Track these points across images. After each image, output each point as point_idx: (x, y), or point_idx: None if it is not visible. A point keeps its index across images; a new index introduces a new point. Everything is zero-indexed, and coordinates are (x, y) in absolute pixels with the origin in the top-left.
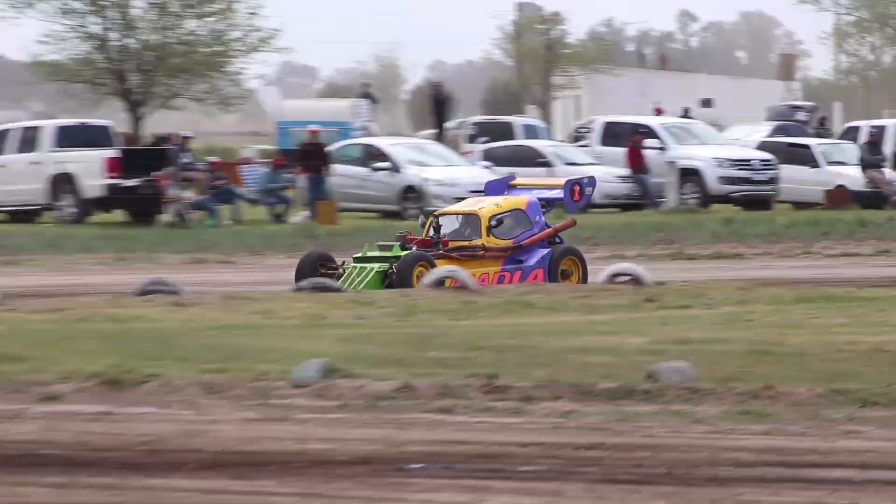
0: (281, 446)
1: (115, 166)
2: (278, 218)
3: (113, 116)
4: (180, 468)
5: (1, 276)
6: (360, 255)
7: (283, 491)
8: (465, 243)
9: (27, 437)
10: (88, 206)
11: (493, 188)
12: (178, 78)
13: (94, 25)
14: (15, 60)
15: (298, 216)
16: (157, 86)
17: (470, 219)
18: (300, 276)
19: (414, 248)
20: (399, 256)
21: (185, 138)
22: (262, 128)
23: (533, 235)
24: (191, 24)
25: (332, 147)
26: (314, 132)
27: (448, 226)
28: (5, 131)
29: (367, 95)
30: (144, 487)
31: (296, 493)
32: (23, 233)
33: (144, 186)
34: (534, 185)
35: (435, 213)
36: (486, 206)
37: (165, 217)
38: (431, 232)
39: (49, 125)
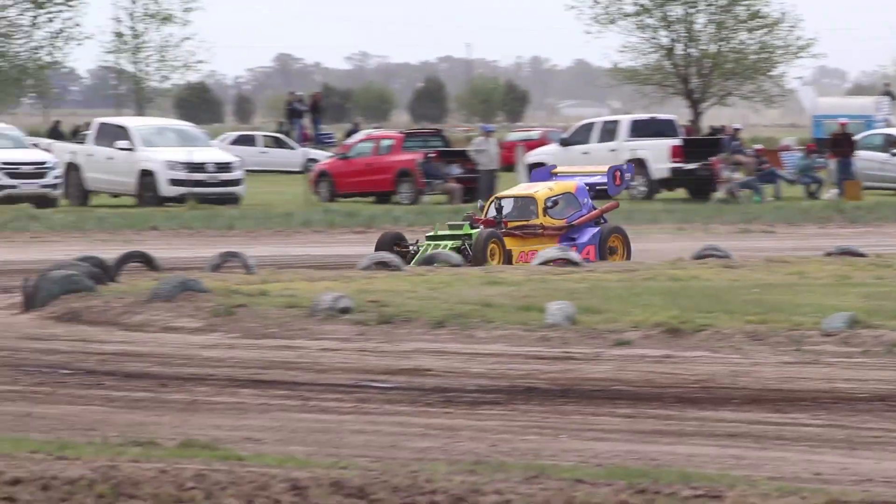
0: (811, 385)
1: (679, 152)
2: (812, 195)
3: (676, 112)
4: (727, 402)
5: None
6: (432, 233)
7: (812, 423)
8: (525, 223)
9: (602, 375)
10: (656, 186)
11: (537, 176)
12: (731, 80)
13: (664, 38)
14: (598, 66)
15: (829, 193)
16: (713, 87)
17: (527, 201)
18: (378, 250)
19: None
20: (470, 234)
21: (736, 130)
22: (800, 121)
23: (583, 216)
24: (742, 35)
25: (858, 136)
26: (843, 124)
27: (507, 208)
28: (590, 125)
29: (888, 94)
30: (698, 418)
31: (823, 424)
32: None
33: (702, 169)
34: (575, 172)
35: (496, 196)
36: (541, 189)
37: (718, 195)
38: (493, 213)
39: (625, 119)
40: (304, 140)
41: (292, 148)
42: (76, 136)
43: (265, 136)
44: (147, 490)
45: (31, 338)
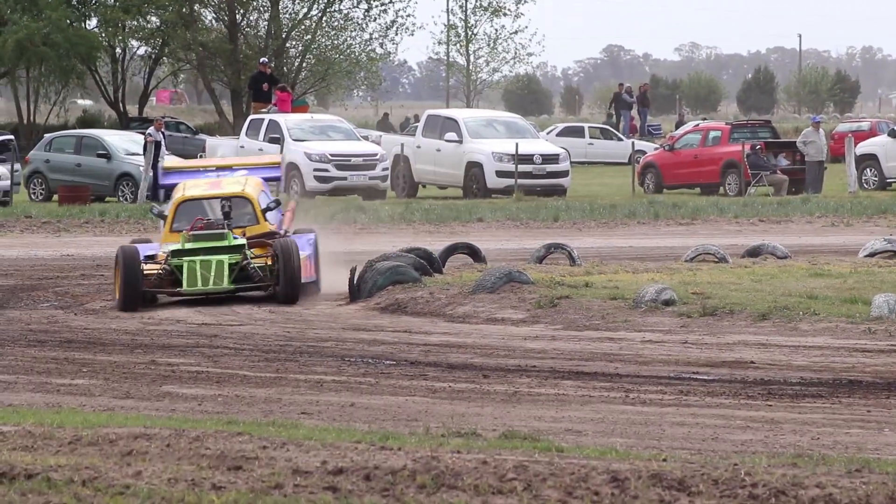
0: None
1: None
2: None
3: None
4: None
5: None
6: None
7: None
8: None
9: None
10: None
11: None
12: None
13: None
14: None
15: None
16: None
17: None
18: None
19: None
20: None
21: None
22: None
23: None
24: None
25: None
26: None
27: None
28: None
29: None
30: None
31: None
32: None
33: None
34: None
35: None
36: None
37: None
38: None
39: None
40: (632, 131)
41: (619, 139)
42: (405, 127)
43: (592, 127)
44: (468, 481)
45: (357, 328)
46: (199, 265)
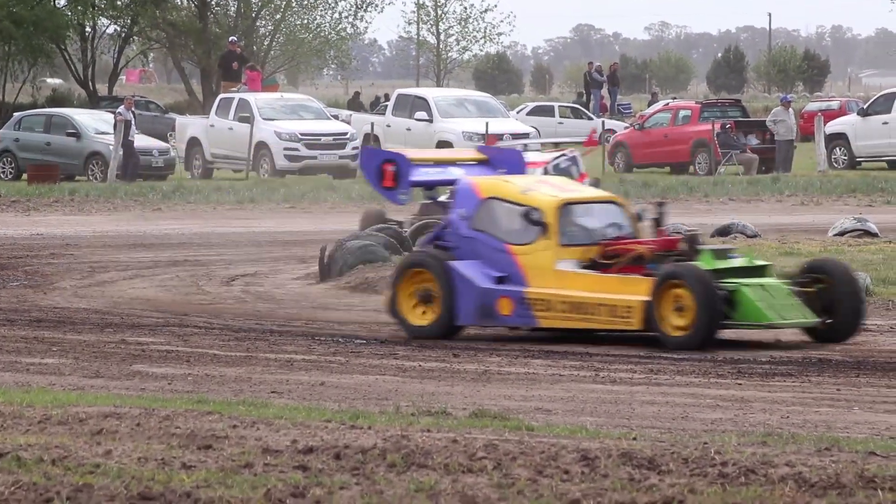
0: None
1: None
2: None
3: None
4: None
5: None
6: None
7: None
8: None
9: None
10: None
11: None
12: None
13: None
14: None
15: None
16: None
17: None
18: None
19: None
20: None
21: None
22: None
23: None
24: None
25: None
26: None
27: None
28: (892, 94)
29: None
30: None
31: None
32: None
33: None
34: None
35: None
36: None
37: None
38: None
39: None
40: (602, 110)
41: (590, 118)
42: (375, 107)
43: (562, 106)
44: (438, 460)
45: (327, 307)
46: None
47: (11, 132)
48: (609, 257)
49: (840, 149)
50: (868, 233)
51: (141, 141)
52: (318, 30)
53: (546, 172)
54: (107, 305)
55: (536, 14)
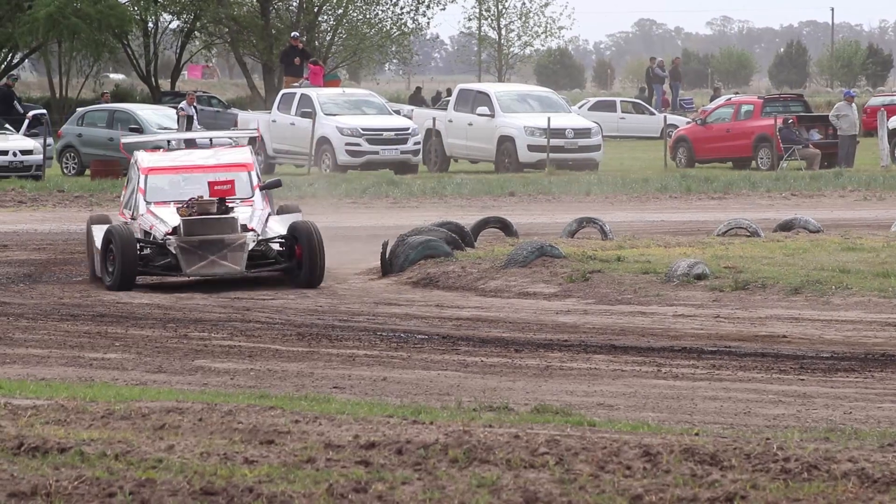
0: None
1: None
2: None
3: None
4: None
5: None
6: None
7: None
8: None
9: None
10: None
11: None
12: None
13: None
14: None
15: None
16: None
17: None
18: None
19: None
20: None
21: None
22: None
23: None
24: None
25: None
26: None
27: None
28: None
29: None
30: None
31: None
32: None
33: None
34: None
35: None
36: None
37: None
38: None
39: None
40: (664, 106)
41: (651, 114)
42: (437, 102)
43: (624, 101)
44: (500, 455)
45: (388, 303)
46: None
47: (75, 127)
48: None
49: None
50: None
51: None
52: (380, 25)
53: None
54: (169, 300)
55: (598, 9)
